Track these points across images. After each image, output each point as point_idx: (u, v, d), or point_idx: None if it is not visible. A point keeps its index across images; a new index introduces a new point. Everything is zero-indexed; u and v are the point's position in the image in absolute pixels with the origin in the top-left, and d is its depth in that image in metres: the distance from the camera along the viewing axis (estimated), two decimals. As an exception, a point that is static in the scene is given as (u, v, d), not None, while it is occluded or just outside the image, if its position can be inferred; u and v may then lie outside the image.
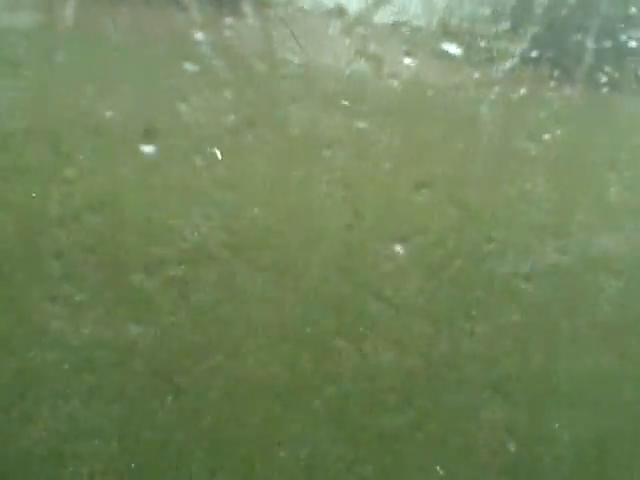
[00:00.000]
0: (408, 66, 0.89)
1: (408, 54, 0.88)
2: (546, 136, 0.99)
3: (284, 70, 0.89)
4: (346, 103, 0.90)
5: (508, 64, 0.91)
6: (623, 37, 0.96)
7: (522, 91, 0.95)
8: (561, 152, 1.01)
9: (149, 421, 0.94)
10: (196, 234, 0.94)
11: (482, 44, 0.90)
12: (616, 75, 0.98)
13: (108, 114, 0.85)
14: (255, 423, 1.05)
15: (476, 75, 0.94)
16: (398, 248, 1.01)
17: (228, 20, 0.82)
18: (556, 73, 0.93)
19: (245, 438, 1.05)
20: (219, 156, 0.90)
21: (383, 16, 0.84)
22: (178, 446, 0.97)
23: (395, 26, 0.87)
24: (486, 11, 0.88)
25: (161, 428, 0.95)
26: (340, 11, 0.83)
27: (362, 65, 0.89)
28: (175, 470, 0.98)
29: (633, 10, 0.94)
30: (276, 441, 1.05)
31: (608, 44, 0.95)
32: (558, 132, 0.99)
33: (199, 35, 0.83)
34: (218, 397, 1.02)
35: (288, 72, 0.89)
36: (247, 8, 0.80)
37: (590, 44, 0.91)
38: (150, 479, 0.94)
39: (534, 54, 0.91)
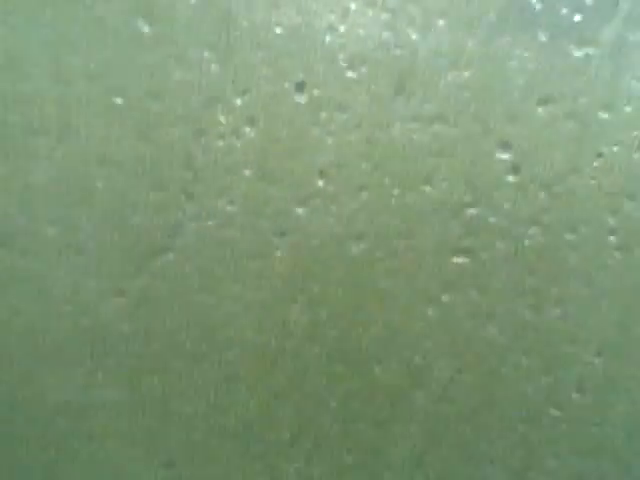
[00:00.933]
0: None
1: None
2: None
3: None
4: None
5: None
6: None
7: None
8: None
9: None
10: (340, 147, 0.99)
11: None
12: None
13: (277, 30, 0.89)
14: (376, 331, 1.12)
15: None
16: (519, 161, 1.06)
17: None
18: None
19: (366, 339, 1.12)
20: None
21: None
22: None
23: None
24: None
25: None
26: None
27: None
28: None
29: None
30: (391, 348, 1.13)
31: None
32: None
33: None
34: (347, 307, 1.09)
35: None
36: None
37: None
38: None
39: None
